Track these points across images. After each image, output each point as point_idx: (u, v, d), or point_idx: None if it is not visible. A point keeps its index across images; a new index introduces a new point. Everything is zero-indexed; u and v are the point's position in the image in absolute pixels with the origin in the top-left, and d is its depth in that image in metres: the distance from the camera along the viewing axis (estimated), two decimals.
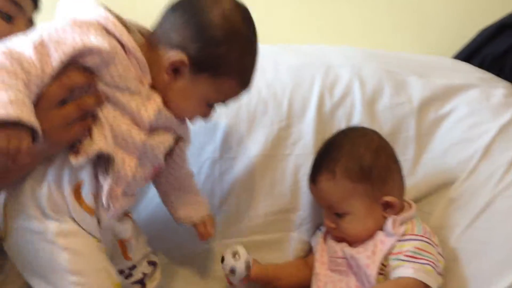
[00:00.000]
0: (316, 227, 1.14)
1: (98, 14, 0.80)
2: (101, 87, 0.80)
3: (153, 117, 0.83)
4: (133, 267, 0.99)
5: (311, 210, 1.14)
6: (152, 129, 0.86)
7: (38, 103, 0.74)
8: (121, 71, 0.79)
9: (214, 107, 0.91)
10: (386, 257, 0.99)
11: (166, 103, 0.85)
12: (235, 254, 1.04)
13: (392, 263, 0.98)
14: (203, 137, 1.13)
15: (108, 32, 0.78)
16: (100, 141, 0.80)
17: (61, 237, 0.82)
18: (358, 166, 1.02)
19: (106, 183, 0.83)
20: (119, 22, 0.80)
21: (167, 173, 0.99)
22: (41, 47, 0.74)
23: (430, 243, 1.01)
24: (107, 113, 0.81)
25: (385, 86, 1.20)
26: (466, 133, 1.15)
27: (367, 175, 1.02)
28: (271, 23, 1.35)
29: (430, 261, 0.97)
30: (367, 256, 1.00)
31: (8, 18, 0.96)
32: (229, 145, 1.14)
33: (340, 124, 1.18)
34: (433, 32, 1.42)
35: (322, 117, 1.17)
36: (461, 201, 1.10)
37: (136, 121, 0.83)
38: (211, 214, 1.07)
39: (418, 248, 0.98)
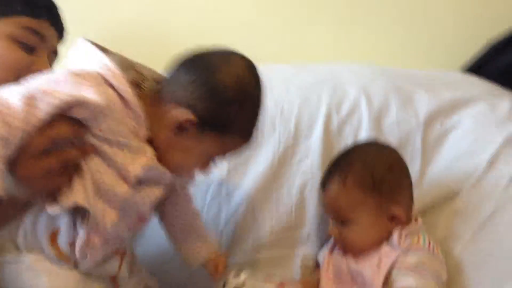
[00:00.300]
0: (322, 243, 1.17)
1: (101, 64, 0.80)
2: (89, 138, 0.79)
3: (140, 172, 0.82)
4: None
5: (316, 226, 1.18)
6: (141, 183, 0.84)
7: (22, 150, 0.73)
8: (112, 125, 0.79)
9: (214, 161, 0.90)
10: (390, 270, 1.01)
11: (163, 158, 0.84)
12: (237, 274, 1.04)
13: (396, 276, 1.00)
14: None
15: (107, 83, 0.78)
16: (78, 193, 0.78)
17: (40, 263, 0.85)
18: (370, 177, 1.05)
19: (81, 234, 0.83)
20: (120, 72, 0.79)
21: (173, 216, 1.01)
22: (29, 99, 0.73)
23: (433, 255, 1.03)
24: (92, 165, 0.80)
25: (392, 102, 1.23)
26: (471, 145, 1.17)
27: (378, 187, 1.05)
28: (280, 42, 1.42)
29: (434, 276, 0.99)
30: (372, 270, 1.02)
31: (30, 50, 0.97)
32: (236, 164, 1.19)
33: (347, 140, 1.21)
34: (441, 45, 1.44)
35: (329, 134, 1.21)
36: (465, 212, 1.12)
37: (122, 175, 0.81)
38: (220, 252, 1.07)
39: (422, 262, 1.00)
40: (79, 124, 0.78)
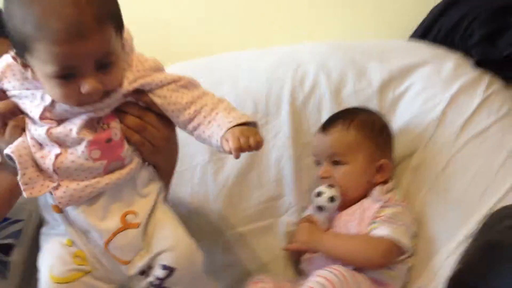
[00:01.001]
0: (301, 209, 1.31)
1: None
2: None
3: (39, 114, 0.90)
4: (149, 269, 0.98)
5: (295, 194, 1.32)
6: (61, 121, 0.91)
7: None
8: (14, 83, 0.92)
9: (78, 78, 0.85)
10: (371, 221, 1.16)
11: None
12: (318, 194, 1.17)
13: (373, 225, 1.14)
14: (193, 146, 1.27)
15: None
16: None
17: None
18: (371, 126, 1.22)
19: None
20: None
21: (182, 125, 0.98)
22: None
23: (407, 210, 1.18)
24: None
25: (349, 75, 1.36)
26: (421, 106, 1.31)
27: (376, 136, 1.22)
28: (242, 29, 1.53)
29: (405, 225, 1.15)
30: (357, 223, 1.17)
31: None
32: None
33: (312, 113, 1.35)
34: (390, 16, 1.57)
35: (295, 110, 1.35)
36: (422, 168, 1.27)
37: (33, 120, 0.92)
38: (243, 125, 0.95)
39: (396, 213, 1.16)
40: None
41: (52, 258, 0.96)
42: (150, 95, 0.95)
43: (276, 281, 1.19)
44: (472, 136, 1.25)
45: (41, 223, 1.04)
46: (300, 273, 1.25)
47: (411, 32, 1.54)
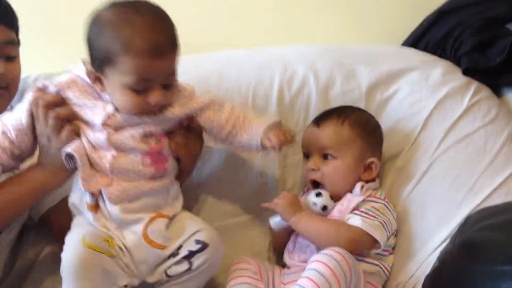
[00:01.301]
0: None
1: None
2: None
3: (101, 121, 1.05)
4: (179, 247, 1.11)
5: (279, 192, 1.30)
6: (119, 128, 1.07)
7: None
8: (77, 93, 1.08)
9: (147, 92, 1.02)
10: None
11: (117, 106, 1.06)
12: (318, 194, 1.19)
13: (348, 216, 1.16)
14: None
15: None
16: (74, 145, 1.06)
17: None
18: (364, 125, 1.23)
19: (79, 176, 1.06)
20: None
21: (220, 137, 1.16)
22: None
23: (387, 207, 1.19)
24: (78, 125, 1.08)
25: (337, 76, 1.38)
26: (408, 110, 1.33)
27: (368, 135, 1.23)
28: (231, 28, 1.55)
29: (381, 220, 1.16)
30: (337, 215, 1.18)
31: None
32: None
33: (300, 112, 1.36)
34: (382, 23, 1.59)
35: (283, 109, 1.36)
36: (405, 169, 1.28)
37: (92, 127, 1.07)
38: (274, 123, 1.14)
39: (374, 208, 1.17)
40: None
41: (86, 229, 1.08)
42: (197, 118, 1.14)
43: (260, 263, 1.21)
44: (456, 140, 1.27)
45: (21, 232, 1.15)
46: (283, 267, 1.25)
47: (402, 40, 1.56)
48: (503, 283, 0.91)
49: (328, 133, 1.22)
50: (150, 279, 1.13)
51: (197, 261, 1.11)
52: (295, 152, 1.34)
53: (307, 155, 1.26)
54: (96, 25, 1.03)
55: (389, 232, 1.18)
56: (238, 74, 1.40)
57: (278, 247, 1.29)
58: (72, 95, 1.08)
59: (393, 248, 1.22)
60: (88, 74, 1.06)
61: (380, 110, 1.34)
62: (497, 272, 0.92)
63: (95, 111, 1.07)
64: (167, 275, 1.12)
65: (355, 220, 1.14)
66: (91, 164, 1.07)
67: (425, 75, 1.36)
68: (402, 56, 1.44)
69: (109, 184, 1.07)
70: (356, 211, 1.16)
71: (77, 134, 1.08)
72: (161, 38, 1.00)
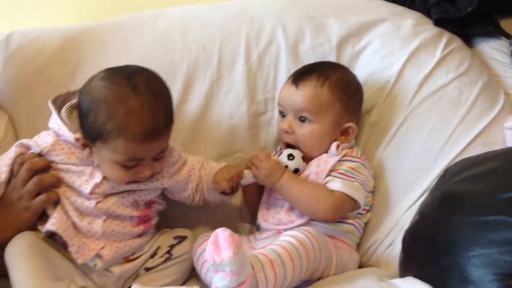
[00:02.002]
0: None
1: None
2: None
3: (89, 191, 1.05)
4: (157, 248, 1.15)
5: (248, 151, 1.29)
6: (107, 195, 1.07)
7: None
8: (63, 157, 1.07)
9: (137, 166, 1.03)
10: (327, 175, 1.14)
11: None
12: (290, 157, 1.16)
13: (326, 179, 1.13)
14: None
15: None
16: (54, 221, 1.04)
17: None
18: (345, 88, 1.18)
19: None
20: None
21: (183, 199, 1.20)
22: None
23: (364, 165, 1.17)
24: (62, 192, 1.06)
25: (306, 30, 1.33)
26: (380, 63, 1.30)
27: (347, 99, 1.18)
28: None
29: (359, 180, 1.14)
30: (314, 176, 1.15)
31: None
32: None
33: (268, 70, 1.31)
34: None
35: (251, 66, 1.31)
36: (380, 124, 1.26)
37: (79, 193, 1.07)
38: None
39: (352, 168, 1.14)
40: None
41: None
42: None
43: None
44: (430, 92, 1.24)
45: None
46: (257, 228, 1.23)
47: None
48: (486, 234, 0.90)
49: (306, 96, 1.17)
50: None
51: (176, 251, 1.15)
52: (266, 111, 1.30)
53: (283, 114, 1.21)
54: (91, 99, 1.01)
55: (367, 191, 1.16)
56: (201, 30, 1.33)
57: (251, 205, 1.26)
58: (58, 159, 1.07)
59: (370, 206, 1.20)
60: (77, 139, 1.05)
61: (351, 64, 1.30)
62: (479, 223, 0.92)
63: (82, 177, 1.06)
64: (146, 269, 1.13)
65: (336, 184, 1.11)
66: (78, 231, 1.06)
67: (396, 26, 1.33)
68: (371, 8, 1.39)
69: (102, 248, 1.07)
70: (334, 173, 1.13)
71: (55, 201, 1.06)
72: (156, 121, 1.00)
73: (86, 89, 1.02)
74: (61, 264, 1.04)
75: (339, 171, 1.13)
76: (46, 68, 1.26)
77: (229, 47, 1.31)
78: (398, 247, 1.12)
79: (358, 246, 1.21)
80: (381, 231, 1.18)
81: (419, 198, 1.15)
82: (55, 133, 1.08)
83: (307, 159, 1.18)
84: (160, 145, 1.03)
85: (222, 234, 0.90)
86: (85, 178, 1.06)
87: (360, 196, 1.13)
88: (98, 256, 1.06)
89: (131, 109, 0.98)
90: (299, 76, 1.19)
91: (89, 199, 1.06)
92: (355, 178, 1.13)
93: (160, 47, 1.30)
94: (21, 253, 1.00)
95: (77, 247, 1.04)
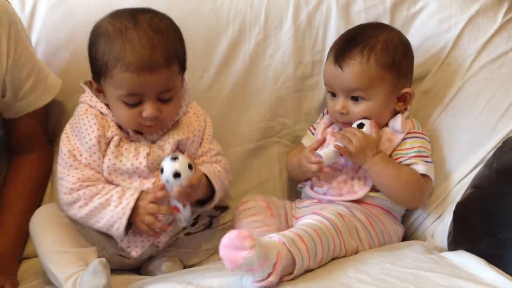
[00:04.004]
0: (297, 131, 1.28)
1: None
2: None
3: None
4: (198, 216, 1.11)
5: (292, 116, 1.27)
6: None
7: None
8: None
9: (141, 105, 1.01)
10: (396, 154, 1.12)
11: None
12: (174, 158, 1.00)
13: (404, 160, 1.10)
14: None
15: None
16: None
17: None
18: (392, 55, 1.12)
19: None
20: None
21: None
22: None
23: (426, 140, 1.14)
24: None
25: None
26: (436, 28, 1.25)
27: (398, 65, 1.12)
28: None
29: (429, 157, 1.11)
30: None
31: None
32: (209, 63, 1.25)
33: (317, 31, 1.28)
34: None
35: (299, 26, 1.27)
36: (433, 92, 1.22)
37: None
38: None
39: (424, 148, 1.12)
40: None
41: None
42: None
43: (268, 200, 1.16)
44: (489, 60, 1.20)
45: None
46: (297, 196, 1.22)
47: None
48: None
49: (353, 75, 1.11)
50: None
51: (217, 221, 1.13)
52: (312, 74, 1.28)
53: (332, 93, 1.16)
54: (94, 35, 1.03)
55: None
56: None
57: (296, 178, 1.24)
58: None
59: None
60: (90, 82, 1.06)
61: (405, 28, 1.26)
62: None
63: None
64: (186, 234, 1.12)
65: (420, 167, 1.09)
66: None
67: None
68: None
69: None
70: (411, 153, 1.10)
71: None
72: (154, 54, 0.99)
73: (92, 30, 1.04)
74: (89, 233, 1.04)
75: (413, 153, 1.10)
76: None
77: (277, 5, 1.28)
78: (446, 220, 1.10)
79: (403, 218, 1.19)
80: (429, 204, 1.16)
81: (472, 170, 1.12)
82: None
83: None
84: (160, 82, 1.00)
85: (230, 237, 0.88)
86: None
87: (433, 175, 1.12)
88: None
89: (128, 39, 0.99)
90: (341, 54, 1.13)
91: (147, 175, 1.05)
92: (428, 157, 1.11)
93: (207, 2, 1.27)
94: (43, 226, 1.02)
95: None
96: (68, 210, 1.03)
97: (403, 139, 1.12)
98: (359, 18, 1.26)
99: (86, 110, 1.06)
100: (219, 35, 1.26)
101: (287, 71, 1.27)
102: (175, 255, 1.11)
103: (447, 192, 1.14)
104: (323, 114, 1.23)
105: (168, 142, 1.06)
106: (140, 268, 1.12)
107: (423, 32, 1.26)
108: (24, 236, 1.11)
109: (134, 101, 1.01)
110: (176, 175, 0.97)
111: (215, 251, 1.03)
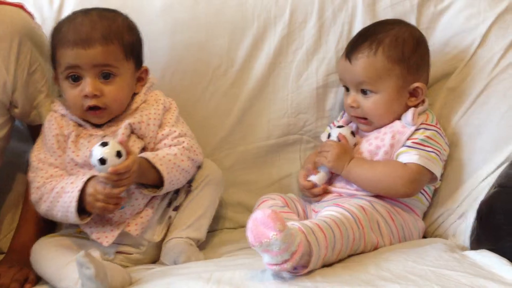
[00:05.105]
0: (319, 127, 1.29)
1: None
2: None
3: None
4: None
5: (314, 112, 1.28)
6: None
7: None
8: None
9: (78, 81, 1.07)
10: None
11: None
12: (104, 144, 1.00)
13: (400, 149, 1.11)
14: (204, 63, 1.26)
15: None
16: None
17: None
18: (400, 49, 1.13)
19: None
20: None
21: None
22: None
23: (440, 133, 1.14)
24: None
25: None
26: (464, 24, 1.25)
27: (407, 59, 1.13)
28: None
29: (436, 149, 1.11)
30: (388, 148, 1.12)
31: None
32: (234, 59, 1.28)
33: (343, 27, 1.29)
34: None
35: (324, 22, 1.28)
36: (459, 89, 1.22)
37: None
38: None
39: (428, 137, 1.11)
40: None
41: None
42: None
43: (285, 197, 1.18)
44: None
45: None
46: None
47: None
48: None
49: (360, 68, 1.13)
50: None
51: (194, 184, 1.15)
52: (336, 71, 1.27)
53: (347, 88, 1.18)
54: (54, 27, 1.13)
55: (443, 161, 1.14)
56: None
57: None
58: None
59: (441, 175, 1.17)
60: (52, 76, 1.14)
61: (433, 24, 1.26)
62: None
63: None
64: (175, 209, 1.15)
65: (411, 156, 1.09)
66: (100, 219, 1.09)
67: None
68: None
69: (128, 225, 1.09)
70: (409, 142, 1.10)
71: None
72: (91, 32, 1.06)
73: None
74: (86, 244, 1.08)
75: (414, 140, 1.10)
76: None
77: (302, 1, 1.29)
78: (469, 218, 1.10)
79: (425, 215, 1.19)
80: (452, 202, 1.15)
81: (496, 169, 1.11)
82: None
83: (378, 127, 1.16)
84: (95, 56, 1.06)
85: (264, 213, 0.88)
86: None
87: (437, 169, 1.10)
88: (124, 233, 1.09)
89: (73, 22, 1.09)
90: (351, 49, 1.16)
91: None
92: (432, 148, 1.10)
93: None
94: (44, 256, 1.06)
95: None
96: (38, 207, 1.09)
97: (416, 130, 1.12)
98: (386, 14, 1.27)
99: (51, 115, 1.14)
100: (244, 32, 1.28)
101: (310, 68, 1.28)
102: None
103: (470, 191, 1.13)
104: (344, 112, 1.24)
105: (120, 128, 1.10)
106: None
107: (450, 29, 1.26)
108: (43, 230, 1.15)
109: (73, 74, 1.07)
110: (102, 161, 0.98)
111: (214, 207, 1.16)
